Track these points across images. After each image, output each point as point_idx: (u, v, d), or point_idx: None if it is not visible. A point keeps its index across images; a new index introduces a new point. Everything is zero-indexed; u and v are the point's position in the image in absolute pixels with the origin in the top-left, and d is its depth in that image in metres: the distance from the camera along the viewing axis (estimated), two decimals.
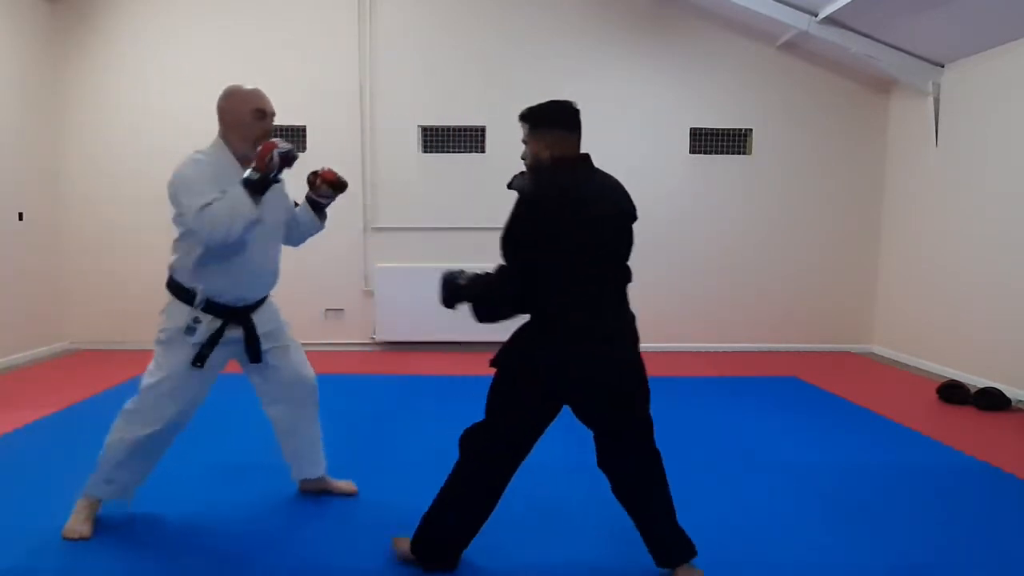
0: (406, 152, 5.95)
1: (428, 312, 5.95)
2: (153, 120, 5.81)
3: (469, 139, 6.04)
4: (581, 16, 5.92)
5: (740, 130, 6.09)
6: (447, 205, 5.99)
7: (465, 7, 5.91)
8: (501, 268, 2.12)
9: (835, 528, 2.57)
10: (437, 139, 6.05)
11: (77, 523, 2.41)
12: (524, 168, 2.22)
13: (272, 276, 2.58)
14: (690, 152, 6.01)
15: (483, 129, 6.00)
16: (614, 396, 2.11)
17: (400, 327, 5.94)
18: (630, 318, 2.16)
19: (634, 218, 2.17)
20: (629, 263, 2.16)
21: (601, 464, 2.22)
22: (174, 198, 2.30)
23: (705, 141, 6.06)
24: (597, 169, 2.19)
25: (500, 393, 2.18)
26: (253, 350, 2.50)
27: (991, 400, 4.28)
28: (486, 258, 6.61)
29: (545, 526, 2.58)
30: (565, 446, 3.40)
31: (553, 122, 2.18)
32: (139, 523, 2.52)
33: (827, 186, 6.12)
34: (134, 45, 5.79)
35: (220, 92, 2.45)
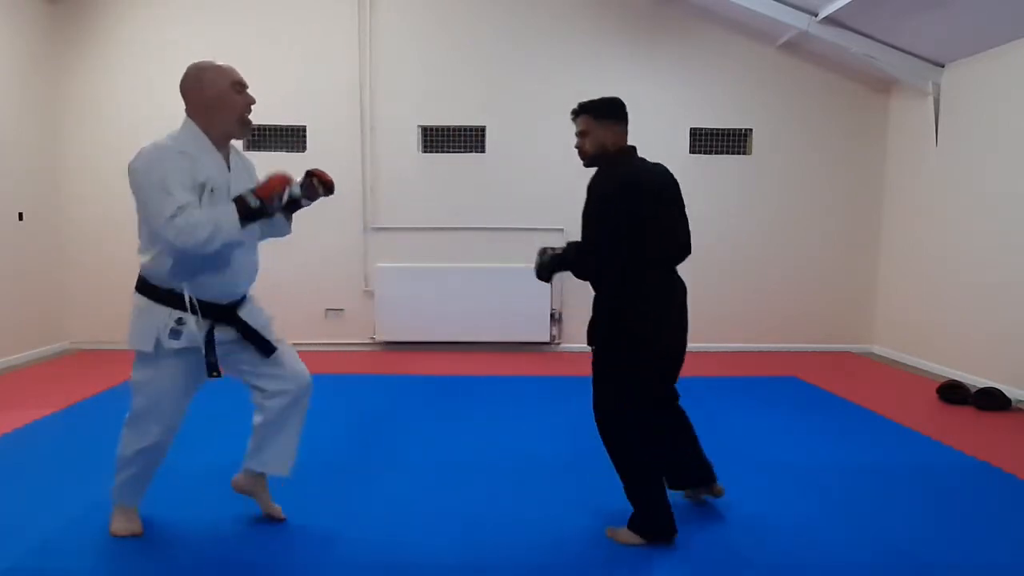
0: (406, 152, 5.94)
1: (428, 312, 5.98)
2: (153, 120, 5.74)
3: (469, 139, 6.04)
4: (581, 16, 5.92)
5: (740, 130, 6.09)
6: (447, 205, 5.99)
7: (465, 7, 5.91)
8: (587, 246, 2.38)
9: (835, 528, 2.57)
10: (437, 139, 6.05)
11: (122, 522, 2.39)
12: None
13: (255, 267, 2.41)
14: (690, 152, 6.01)
15: (483, 129, 6.00)
16: (682, 353, 2.53)
17: (400, 327, 5.94)
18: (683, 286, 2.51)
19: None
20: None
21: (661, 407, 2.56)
22: (139, 193, 2.12)
23: (705, 141, 6.06)
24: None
25: (615, 368, 2.35)
26: (260, 344, 2.33)
27: (991, 400, 4.28)
28: (486, 258, 6.65)
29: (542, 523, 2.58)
30: (554, 443, 3.40)
31: (616, 115, 2.44)
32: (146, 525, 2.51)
33: (827, 186, 6.12)
34: (134, 45, 5.79)
35: (189, 67, 2.30)
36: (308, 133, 5.83)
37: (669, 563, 2.30)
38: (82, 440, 3.50)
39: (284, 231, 2.50)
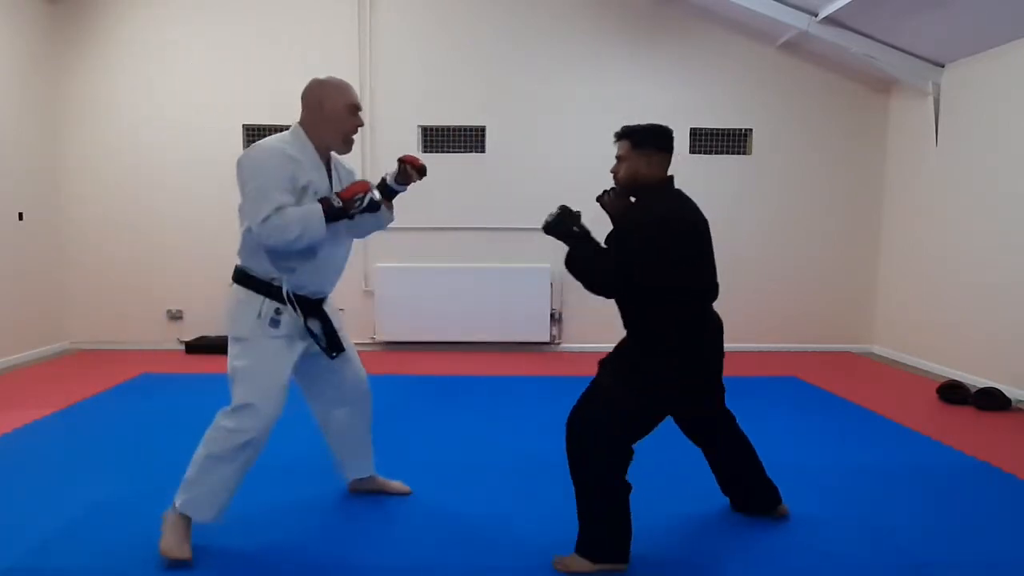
0: (406, 152, 5.91)
1: (428, 312, 5.98)
2: (152, 120, 5.81)
3: (469, 139, 6.04)
4: (581, 16, 5.92)
5: (740, 130, 6.09)
6: (447, 205, 5.98)
7: (465, 7, 5.91)
8: (609, 258, 2.21)
9: (835, 528, 2.57)
10: (437, 139, 6.05)
11: (175, 541, 2.22)
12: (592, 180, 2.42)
13: (343, 267, 2.55)
14: (690, 152, 6.00)
15: (483, 129, 6.00)
16: (716, 392, 2.52)
17: (400, 327, 5.94)
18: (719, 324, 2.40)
19: None
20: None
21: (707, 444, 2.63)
22: (243, 188, 2.22)
23: (705, 141, 6.06)
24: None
25: (622, 405, 2.22)
26: (334, 342, 2.43)
27: (991, 400, 4.28)
28: (486, 258, 6.64)
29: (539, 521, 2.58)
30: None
31: (657, 144, 2.31)
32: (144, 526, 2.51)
33: (827, 186, 6.12)
34: (133, 45, 5.79)
35: (310, 81, 2.38)
36: None
37: (669, 563, 2.30)
38: (82, 440, 3.50)
39: (388, 219, 2.63)
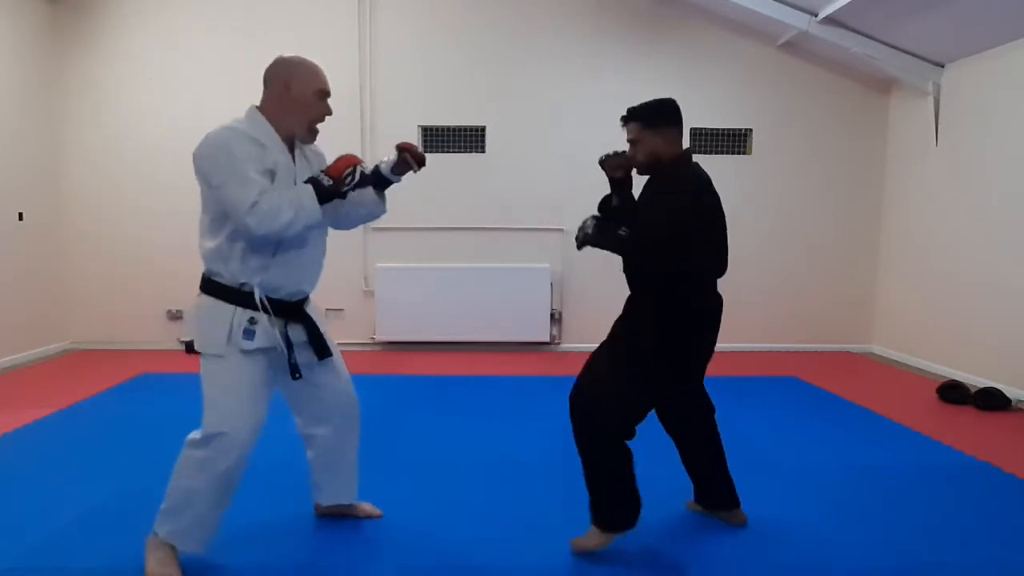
0: None
1: (428, 312, 5.98)
2: (153, 120, 5.80)
3: (469, 139, 6.04)
4: (581, 16, 5.91)
5: (740, 130, 6.09)
6: (447, 205, 5.98)
7: (465, 7, 5.91)
8: (663, 246, 2.15)
9: (835, 528, 2.57)
10: (437, 139, 6.05)
11: (161, 565, 2.10)
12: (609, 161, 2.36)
13: (323, 262, 2.31)
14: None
15: (483, 129, 5.99)
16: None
17: (400, 327, 5.94)
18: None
19: None
20: None
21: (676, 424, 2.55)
22: (211, 179, 1.96)
23: (705, 141, 6.06)
24: None
25: (645, 361, 2.22)
26: (320, 347, 2.21)
27: (991, 400, 4.28)
28: (486, 258, 6.63)
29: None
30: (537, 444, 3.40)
31: (668, 119, 2.28)
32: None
33: (827, 186, 6.12)
34: (134, 45, 5.79)
35: (275, 59, 2.13)
36: None
37: (670, 563, 2.30)
38: (82, 440, 3.50)
39: (379, 210, 2.37)
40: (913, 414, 4.13)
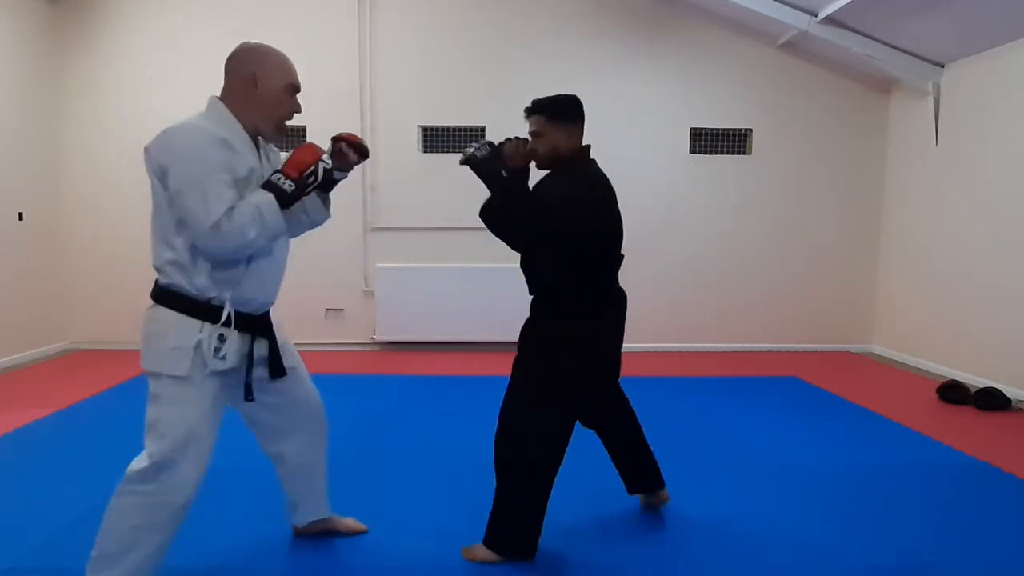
0: (406, 152, 5.95)
1: (428, 312, 5.98)
2: (153, 120, 5.72)
3: (469, 139, 6.04)
4: (581, 16, 5.92)
5: (740, 130, 6.09)
6: (447, 205, 5.98)
7: (465, 7, 5.91)
8: (534, 215, 2.12)
9: (835, 528, 2.57)
10: (437, 139, 6.05)
11: None
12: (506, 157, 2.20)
13: (284, 269, 2.10)
14: (690, 152, 6.00)
15: (483, 129, 5.99)
16: (619, 358, 2.43)
17: (400, 327, 5.94)
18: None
19: None
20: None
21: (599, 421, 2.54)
22: (169, 179, 1.75)
23: (705, 141, 6.06)
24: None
25: (552, 374, 2.18)
26: (277, 365, 2.01)
27: (991, 400, 4.28)
28: (486, 258, 6.64)
29: None
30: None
31: (573, 115, 2.27)
32: None
33: (827, 186, 6.12)
34: (134, 45, 5.79)
35: (239, 46, 1.94)
36: (308, 134, 5.82)
37: (670, 564, 2.30)
38: (82, 440, 3.50)
39: (322, 217, 2.14)
40: (913, 414, 4.13)
